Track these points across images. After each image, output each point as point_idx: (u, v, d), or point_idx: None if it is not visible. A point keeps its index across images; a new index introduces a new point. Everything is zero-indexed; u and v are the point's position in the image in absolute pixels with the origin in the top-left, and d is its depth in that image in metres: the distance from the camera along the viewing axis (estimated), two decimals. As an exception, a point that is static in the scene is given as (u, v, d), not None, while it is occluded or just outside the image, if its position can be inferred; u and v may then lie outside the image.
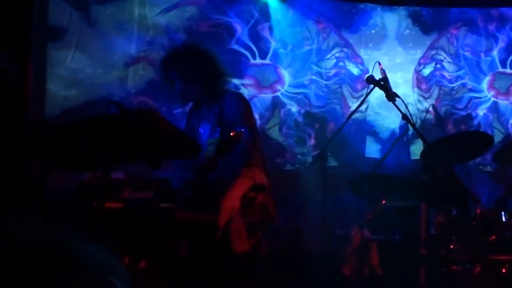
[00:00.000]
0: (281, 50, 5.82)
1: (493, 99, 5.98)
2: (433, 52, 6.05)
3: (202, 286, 3.03)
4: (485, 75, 6.00)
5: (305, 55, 5.87)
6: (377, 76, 3.65)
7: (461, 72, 6.01)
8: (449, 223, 3.81)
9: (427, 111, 5.67)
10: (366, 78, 3.62)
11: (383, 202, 4.04)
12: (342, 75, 5.94)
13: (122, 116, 2.32)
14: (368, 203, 4.17)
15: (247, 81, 5.75)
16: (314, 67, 5.90)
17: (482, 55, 6.01)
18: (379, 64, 3.77)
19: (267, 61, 5.82)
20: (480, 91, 5.98)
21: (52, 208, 2.97)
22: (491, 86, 6.00)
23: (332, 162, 5.23)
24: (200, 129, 3.14)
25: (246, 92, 5.59)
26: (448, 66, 6.03)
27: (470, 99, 5.97)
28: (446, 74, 6.02)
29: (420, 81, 6.00)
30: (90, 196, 2.64)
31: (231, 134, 2.67)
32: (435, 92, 5.98)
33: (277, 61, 5.81)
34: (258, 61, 5.79)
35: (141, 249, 2.84)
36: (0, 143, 2.23)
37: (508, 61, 5.99)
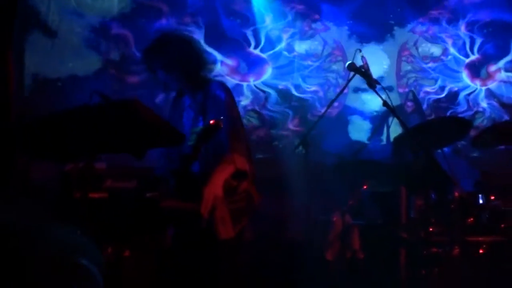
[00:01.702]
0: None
1: (483, 88, 6.06)
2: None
3: (187, 273, 3.07)
4: (458, 72, 6.08)
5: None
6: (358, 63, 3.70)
7: (439, 82, 6.06)
8: (428, 206, 3.89)
9: (406, 97, 5.75)
10: (348, 66, 3.66)
11: (364, 187, 4.12)
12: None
13: (106, 107, 2.33)
14: (349, 188, 4.24)
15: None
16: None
17: (443, 57, 6.08)
18: (360, 51, 3.80)
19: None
20: (467, 86, 6.05)
21: (36, 198, 2.98)
22: (472, 77, 6.08)
23: (315, 149, 5.28)
24: (183, 119, 3.16)
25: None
26: (424, 81, 6.08)
27: (467, 99, 6.04)
28: (428, 89, 6.08)
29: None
30: (73, 186, 2.65)
31: (211, 122, 2.69)
32: (426, 105, 6.04)
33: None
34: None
35: (126, 238, 2.87)
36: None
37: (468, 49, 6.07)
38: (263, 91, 5.89)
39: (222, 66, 5.80)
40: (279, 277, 4.46)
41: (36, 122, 2.32)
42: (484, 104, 5.98)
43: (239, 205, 2.97)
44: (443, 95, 6.02)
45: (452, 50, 6.06)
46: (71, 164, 2.73)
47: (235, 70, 5.86)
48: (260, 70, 5.91)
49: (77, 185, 2.61)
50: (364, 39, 5.93)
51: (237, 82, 5.82)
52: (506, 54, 6.00)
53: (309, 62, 5.98)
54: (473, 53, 6.05)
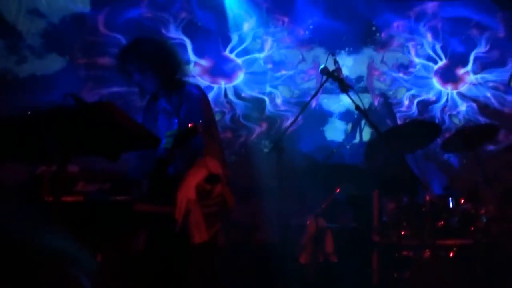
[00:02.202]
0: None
1: (454, 91, 6.15)
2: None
3: (160, 277, 3.04)
4: (429, 78, 6.18)
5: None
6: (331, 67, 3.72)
7: (413, 91, 6.15)
8: (400, 210, 3.94)
9: (378, 101, 5.81)
10: (321, 70, 3.68)
11: (337, 190, 4.15)
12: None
13: (80, 109, 2.30)
14: (322, 192, 4.27)
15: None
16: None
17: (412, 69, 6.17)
18: (332, 55, 3.84)
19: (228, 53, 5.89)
20: (441, 97, 6.14)
21: (5, 201, 2.92)
22: (443, 83, 6.18)
23: (288, 152, 5.31)
24: (158, 121, 3.14)
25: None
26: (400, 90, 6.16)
27: (444, 107, 6.12)
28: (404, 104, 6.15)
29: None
30: (44, 189, 2.60)
31: (189, 125, 2.68)
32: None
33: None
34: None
35: (98, 242, 2.83)
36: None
37: (433, 54, 6.17)
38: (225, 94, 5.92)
39: (195, 66, 5.80)
40: (252, 281, 4.45)
41: (6, 120, 2.27)
42: (463, 108, 6.09)
43: (213, 209, 2.96)
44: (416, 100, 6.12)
45: (417, 60, 6.15)
46: (42, 167, 2.68)
47: (204, 72, 5.86)
48: (232, 74, 5.92)
49: (49, 188, 2.56)
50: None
51: (207, 83, 5.81)
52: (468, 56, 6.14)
53: (283, 72, 6.02)
54: (440, 59, 6.16)
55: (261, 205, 5.20)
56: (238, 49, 5.95)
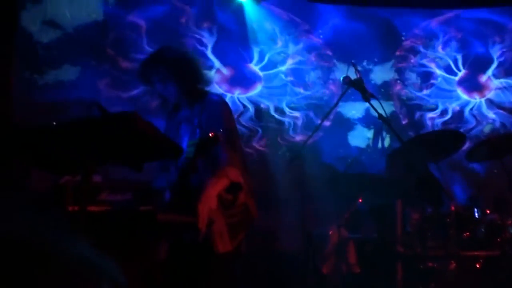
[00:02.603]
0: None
1: (482, 99, 6.07)
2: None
3: (182, 287, 3.03)
4: (453, 91, 6.11)
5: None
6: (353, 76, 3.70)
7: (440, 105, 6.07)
8: (424, 220, 3.88)
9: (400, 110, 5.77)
10: (342, 79, 3.67)
11: (360, 200, 4.11)
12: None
13: (104, 119, 2.31)
14: (345, 202, 4.23)
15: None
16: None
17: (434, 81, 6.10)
18: (354, 65, 3.81)
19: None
20: (467, 102, 6.07)
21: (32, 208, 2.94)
22: (469, 92, 6.11)
23: (309, 162, 5.28)
24: (180, 131, 3.14)
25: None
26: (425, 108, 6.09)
27: (472, 114, 6.04)
28: (432, 115, 6.08)
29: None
30: (67, 199, 2.61)
31: (210, 135, 2.68)
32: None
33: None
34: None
35: (121, 252, 2.82)
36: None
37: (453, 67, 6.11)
38: (244, 105, 5.90)
39: (216, 74, 5.81)
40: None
41: (35, 130, 2.29)
42: (491, 114, 6.01)
43: (236, 219, 2.95)
44: (448, 116, 6.04)
45: (439, 72, 6.09)
46: (67, 176, 2.69)
47: (225, 80, 5.87)
48: (250, 86, 5.91)
49: (72, 197, 2.56)
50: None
51: (221, 91, 5.81)
52: (491, 62, 6.05)
53: (301, 90, 5.99)
54: (459, 69, 6.09)
55: (282, 214, 5.17)
56: (262, 63, 5.93)
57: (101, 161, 2.43)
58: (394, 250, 3.93)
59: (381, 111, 3.56)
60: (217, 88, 5.75)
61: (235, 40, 5.87)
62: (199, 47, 5.77)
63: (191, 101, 3.13)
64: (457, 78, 6.07)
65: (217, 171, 2.87)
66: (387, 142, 5.19)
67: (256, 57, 5.92)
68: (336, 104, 4.08)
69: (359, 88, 3.65)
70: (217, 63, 5.82)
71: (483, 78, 6.05)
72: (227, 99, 5.79)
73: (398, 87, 6.05)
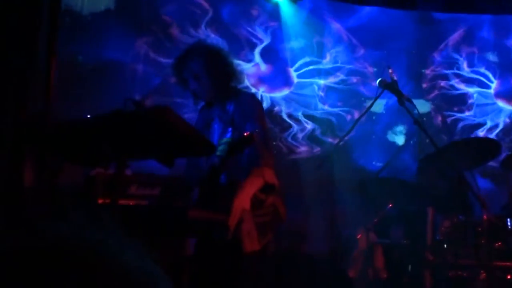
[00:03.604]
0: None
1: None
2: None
3: (208, 285, 3.04)
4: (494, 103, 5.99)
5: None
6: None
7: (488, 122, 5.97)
8: (455, 228, 3.82)
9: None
10: (378, 82, 3.62)
11: (390, 205, 4.06)
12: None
13: (138, 114, 2.33)
14: (374, 206, 4.18)
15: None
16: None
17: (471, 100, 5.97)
18: (389, 68, 3.77)
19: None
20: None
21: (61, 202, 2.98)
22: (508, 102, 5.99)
23: (340, 165, 5.23)
24: (211, 128, 3.15)
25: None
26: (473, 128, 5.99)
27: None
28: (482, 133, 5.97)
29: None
30: (97, 191, 2.64)
31: (245, 134, 2.67)
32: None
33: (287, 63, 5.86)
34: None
35: (150, 247, 2.84)
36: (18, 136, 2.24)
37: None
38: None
39: (253, 67, 5.78)
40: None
41: (69, 124, 2.32)
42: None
43: (265, 219, 2.94)
44: (498, 130, 5.93)
45: (472, 90, 5.97)
46: (97, 169, 2.72)
47: (255, 75, 5.83)
48: (278, 87, 5.87)
49: (102, 190, 2.59)
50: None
51: (247, 84, 5.78)
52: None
53: (325, 107, 5.91)
54: (491, 81, 5.97)
55: (311, 216, 5.15)
56: (301, 70, 5.88)
57: (133, 155, 2.45)
58: (423, 257, 3.87)
59: (416, 116, 3.51)
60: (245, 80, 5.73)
61: (286, 43, 5.83)
62: (252, 39, 5.74)
63: (224, 98, 3.13)
64: (492, 91, 5.96)
65: (253, 170, 2.87)
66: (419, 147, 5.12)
67: (299, 63, 5.87)
68: (371, 106, 4.05)
69: (394, 91, 3.60)
70: (258, 59, 5.80)
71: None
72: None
73: (439, 118, 5.95)
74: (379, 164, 5.42)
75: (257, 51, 5.75)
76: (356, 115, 5.75)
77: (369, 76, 5.91)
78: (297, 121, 5.83)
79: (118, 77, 5.21)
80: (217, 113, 3.18)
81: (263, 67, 5.82)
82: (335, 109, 5.90)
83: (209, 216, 2.78)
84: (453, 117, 5.96)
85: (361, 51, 5.95)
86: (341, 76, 5.92)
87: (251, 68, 5.77)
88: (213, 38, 5.52)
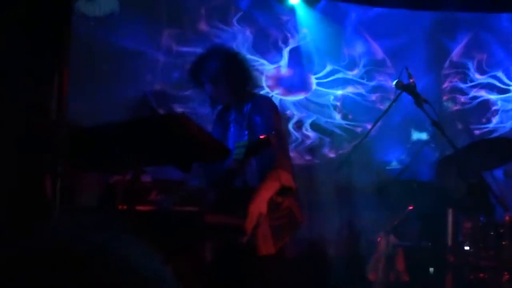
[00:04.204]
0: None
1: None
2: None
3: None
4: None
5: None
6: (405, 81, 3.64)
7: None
8: (476, 230, 3.77)
9: None
10: (396, 83, 3.61)
11: (410, 208, 4.02)
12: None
13: (154, 120, 2.35)
14: (394, 208, 4.15)
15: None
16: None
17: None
18: (407, 69, 3.74)
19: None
20: None
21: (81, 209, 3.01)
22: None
23: (359, 167, 5.20)
24: (228, 132, 3.16)
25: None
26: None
27: None
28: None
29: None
30: (117, 198, 2.67)
31: (261, 137, 2.68)
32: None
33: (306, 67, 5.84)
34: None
35: (168, 252, 2.85)
36: (34, 144, 2.27)
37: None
38: None
39: (275, 69, 5.79)
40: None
41: (84, 131, 2.35)
42: None
43: (281, 222, 2.94)
44: None
45: (494, 96, 5.88)
46: (116, 176, 2.75)
47: (275, 77, 5.80)
48: (294, 92, 5.84)
49: (123, 197, 2.62)
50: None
51: (263, 85, 5.75)
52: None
53: (338, 117, 5.86)
54: (508, 84, 5.89)
55: (329, 219, 5.12)
56: (325, 79, 5.85)
57: (150, 161, 2.47)
58: (445, 259, 3.83)
59: (434, 117, 3.48)
60: (263, 81, 5.72)
61: (314, 50, 5.82)
62: (279, 43, 5.75)
63: (240, 102, 3.14)
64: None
65: (270, 174, 2.87)
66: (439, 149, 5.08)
67: (323, 73, 5.82)
68: (388, 109, 4.03)
69: (411, 92, 3.58)
70: (283, 61, 5.79)
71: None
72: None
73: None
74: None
75: (285, 53, 5.74)
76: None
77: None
78: (303, 130, 5.78)
79: (137, 68, 5.21)
80: (233, 116, 3.19)
81: (284, 70, 5.80)
82: (342, 121, 5.85)
83: (226, 221, 2.79)
84: (484, 129, 5.85)
85: (388, 66, 5.89)
86: (360, 89, 5.87)
87: (272, 70, 5.77)
88: (242, 35, 5.53)
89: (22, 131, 1.92)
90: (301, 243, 4.85)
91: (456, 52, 5.94)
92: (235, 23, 5.56)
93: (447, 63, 5.96)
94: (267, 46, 5.68)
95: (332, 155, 5.64)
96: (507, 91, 5.87)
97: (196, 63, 3.18)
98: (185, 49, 5.29)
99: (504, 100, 5.88)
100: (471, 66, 5.92)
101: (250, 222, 2.71)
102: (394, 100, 3.85)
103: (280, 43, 5.73)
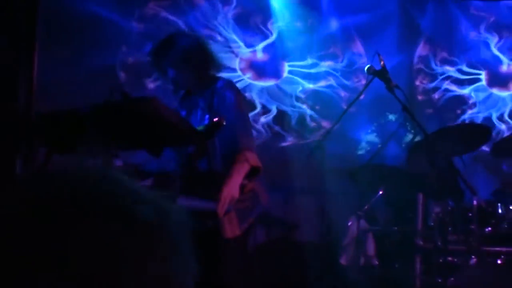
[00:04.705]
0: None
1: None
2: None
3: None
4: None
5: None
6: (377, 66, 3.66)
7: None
8: (445, 214, 3.83)
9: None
10: (367, 69, 3.62)
11: (381, 192, 4.06)
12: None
13: (125, 104, 2.31)
14: (365, 193, 4.19)
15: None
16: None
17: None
18: (379, 55, 3.76)
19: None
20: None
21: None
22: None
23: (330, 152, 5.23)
24: (191, 117, 3.14)
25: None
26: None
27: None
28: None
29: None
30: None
31: (214, 120, 2.67)
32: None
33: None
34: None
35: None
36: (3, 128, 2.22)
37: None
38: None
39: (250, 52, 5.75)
40: (292, 280, 4.42)
41: (55, 114, 2.30)
42: None
43: (245, 204, 2.95)
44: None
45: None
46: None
47: (248, 60, 5.78)
48: (265, 78, 5.82)
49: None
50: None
51: (236, 67, 5.72)
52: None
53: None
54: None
55: (301, 204, 5.15)
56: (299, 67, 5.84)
57: (121, 145, 2.44)
58: (414, 243, 3.88)
59: (405, 103, 3.51)
60: (236, 63, 5.70)
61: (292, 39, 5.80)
62: (259, 26, 5.71)
63: (202, 86, 3.13)
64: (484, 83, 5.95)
65: (237, 157, 2.88)
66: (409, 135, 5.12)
67: (302, 63, 5.82)
68: (361, 94, 4.05)
69: (383, 78, 3.60)
70: (259, 46, 5.76)
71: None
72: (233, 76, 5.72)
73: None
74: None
75: (264, 42, 5.73)
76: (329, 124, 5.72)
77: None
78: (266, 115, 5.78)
79: (111, 36, 5.15)
80: (196, 101, 3.18)
81: (260, 55, 5.78)
82: (310, 111, 5.87)
83: (197, 204, 2.78)
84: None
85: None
86: (332, 81, 5.89)
87: (247, 53, 5.74)
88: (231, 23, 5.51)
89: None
90: (272, 227, 4.87)
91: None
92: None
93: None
94: (247, 29, 5.67)
95: (300, 141, 5.68)
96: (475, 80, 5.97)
97: (158, 48, 3.15)
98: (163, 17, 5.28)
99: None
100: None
101: (222, 206, 2.71)
102: (366, 86, 3.87)
103: (259, 27, 5.71)
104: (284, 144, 5.70)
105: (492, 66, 5.96)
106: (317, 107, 5.83)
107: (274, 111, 5.79)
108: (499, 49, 5.94)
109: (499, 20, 5.94)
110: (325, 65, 5.87)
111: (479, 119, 5.87)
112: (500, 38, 5.95)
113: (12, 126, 2.01)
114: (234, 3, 5.69)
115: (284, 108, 5.81)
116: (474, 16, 5.99)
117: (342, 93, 5.85)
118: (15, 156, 2.36)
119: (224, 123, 2.63)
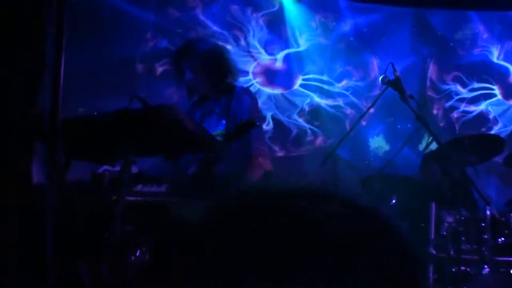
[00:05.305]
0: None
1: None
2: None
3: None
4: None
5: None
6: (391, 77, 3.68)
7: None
8: (458, 224, 3.83)
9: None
10: (381, 79, 3.65)
11: (393, 201, 4.07)
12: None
13: (145, 111, 2.35)
14: (378, 202, 4.19)
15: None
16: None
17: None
18: (393, 65, 3.79)
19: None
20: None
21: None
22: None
23: (343, 162, 5.24)
24: (203, 122, 3.19)
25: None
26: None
27: None
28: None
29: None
30: (105, 189, 2.67)
31: (247, 119, 2.72)
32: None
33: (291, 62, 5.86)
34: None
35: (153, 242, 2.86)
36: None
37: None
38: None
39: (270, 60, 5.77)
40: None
41: (77, 121, 2.35)
42: None
43: None
44: None
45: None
46: (104, 166, 2.75)
47: (265, 66, 5.81)
48: (273, 85, 5.85)
49: (111, 188, 2.62)
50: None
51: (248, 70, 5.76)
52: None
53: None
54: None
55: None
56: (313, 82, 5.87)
57: (139, 152, 2.48)
58: (427, 253, 3.88)
59: (419, 113, 3.54)
60: (252, 66, 5.73)
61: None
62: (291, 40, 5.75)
63: (219, 93, 3.20)
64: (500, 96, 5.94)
65: (252, 162, 2.95)
66: (423, 144, 5.13)
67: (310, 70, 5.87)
68: (374, 104, 4.07)
69: (397, 88, 3.62)
70: (280, 56, 5.80)
71: None
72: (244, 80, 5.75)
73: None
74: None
75: (285, 52, 5.78)
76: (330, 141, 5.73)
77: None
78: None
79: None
80: (210, 106, 3.24)
81: (279, 64, 5.83)
82: (308, 125, 5.88)
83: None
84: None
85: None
86: (340, 102, 5.91)
87: (267, 60, 5.79)
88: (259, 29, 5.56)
89: (16, 120, 1.91)
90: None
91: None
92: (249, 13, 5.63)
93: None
94: (273, 39, 5.72)
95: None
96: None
97: (179, 51, 3.23)
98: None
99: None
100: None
101: None
102: (380, 95, 3.90)
103: (285, 36, 5.77)
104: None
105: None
106: (316, 123, 5.86)
107: (268, 118, 5.82)
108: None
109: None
110: (339, 85, 5.90)
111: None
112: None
113: (35, 130, 2.05)
114: (263, 11, 5.76)
115: (280, 117, 5.84)
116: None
117: (348, 111, 5.87)
118: (31, 162, 2.40)
119: (256, 123, 2.70)
